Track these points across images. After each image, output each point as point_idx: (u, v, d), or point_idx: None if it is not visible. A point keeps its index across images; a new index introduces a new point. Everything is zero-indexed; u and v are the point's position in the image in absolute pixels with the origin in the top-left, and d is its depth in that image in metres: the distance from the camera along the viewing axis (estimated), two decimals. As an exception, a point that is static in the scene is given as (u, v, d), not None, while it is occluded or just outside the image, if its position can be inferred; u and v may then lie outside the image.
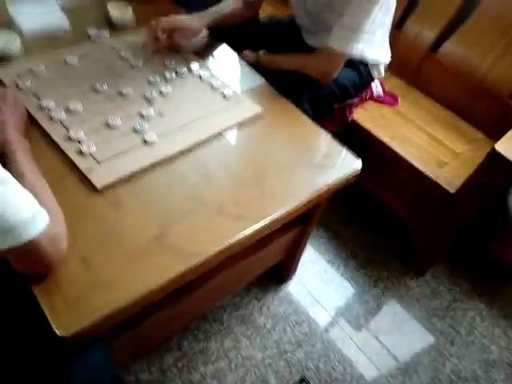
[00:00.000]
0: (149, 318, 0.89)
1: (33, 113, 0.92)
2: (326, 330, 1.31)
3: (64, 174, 0.84)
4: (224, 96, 1.07)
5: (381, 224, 1.62)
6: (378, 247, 1.56)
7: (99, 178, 0.83)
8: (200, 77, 1.11)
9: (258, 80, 1.16)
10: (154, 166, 0.88)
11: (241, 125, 1.01)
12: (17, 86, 0.98)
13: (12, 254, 0.60)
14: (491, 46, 1.42)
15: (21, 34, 1.11)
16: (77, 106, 0.95)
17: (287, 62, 1.22)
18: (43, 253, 0.63)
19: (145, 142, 0.91)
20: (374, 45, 1.24)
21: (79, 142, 0.88)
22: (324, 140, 1.04)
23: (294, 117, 1.08)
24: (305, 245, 1.27)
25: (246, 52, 1.25)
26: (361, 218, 1.63)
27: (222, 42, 1.27)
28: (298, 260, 1.35)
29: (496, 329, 1.41)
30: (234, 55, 1.25)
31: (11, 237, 0.58)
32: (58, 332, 0.62)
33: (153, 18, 1.13)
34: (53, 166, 0.84)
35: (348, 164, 0.98)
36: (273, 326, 1.30)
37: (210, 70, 1.14)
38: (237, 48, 1.27)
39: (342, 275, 1.46)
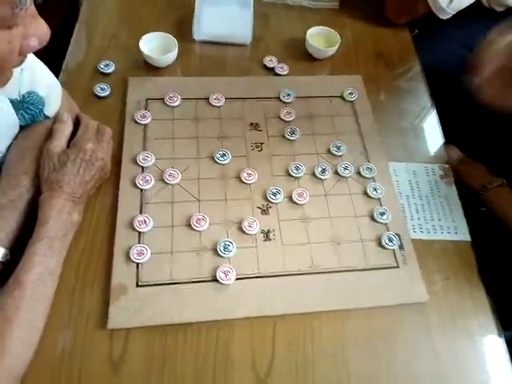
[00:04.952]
0: None
1: (123, 168, 0.68)
2: None
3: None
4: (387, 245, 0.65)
5: None
6: None
7: (119, 314, 0.55)
8: (366, 192, 0.70)
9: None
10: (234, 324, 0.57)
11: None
12: (133, 118, 0.73)
13: None
14: None
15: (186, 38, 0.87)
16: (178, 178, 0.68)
17: None
18: None
19: (218, 279, 0.59)
20: None
21: (139, 235, 0.62)
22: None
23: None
24: None
25: (453, 149, 0.82)
26: None
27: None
28: None
29: None
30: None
31: None
32: None
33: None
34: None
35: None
36: None
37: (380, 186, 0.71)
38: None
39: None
